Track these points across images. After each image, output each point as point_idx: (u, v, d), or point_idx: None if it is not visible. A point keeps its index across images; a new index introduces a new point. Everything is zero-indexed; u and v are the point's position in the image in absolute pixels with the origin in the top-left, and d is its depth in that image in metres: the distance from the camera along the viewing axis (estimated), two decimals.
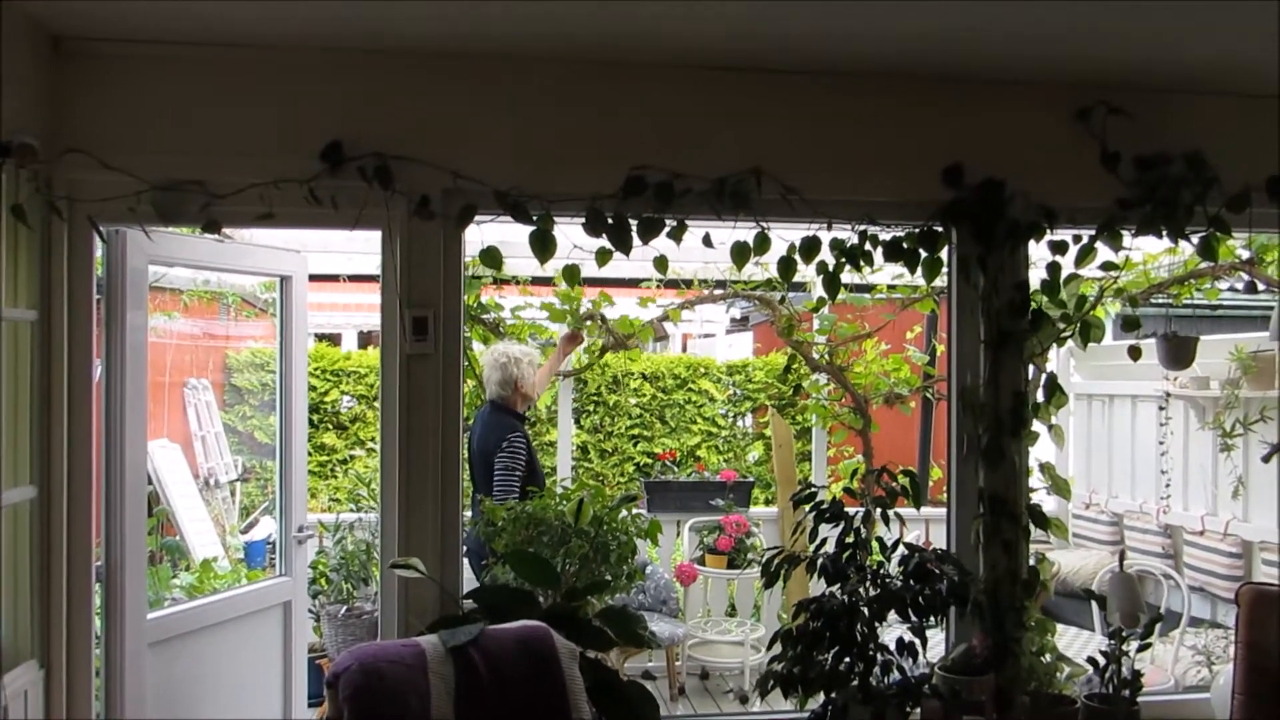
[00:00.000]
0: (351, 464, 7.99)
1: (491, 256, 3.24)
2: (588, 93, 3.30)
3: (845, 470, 5.81)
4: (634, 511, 3.68)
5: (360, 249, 5.14)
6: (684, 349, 11.69)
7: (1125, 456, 6.12)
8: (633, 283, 6.13)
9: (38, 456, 2.98)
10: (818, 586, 3.29)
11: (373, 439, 8.07)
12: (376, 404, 8.14)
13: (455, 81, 3.24)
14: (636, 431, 8.66)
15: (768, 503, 7.46)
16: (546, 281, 5.70)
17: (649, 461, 8.57)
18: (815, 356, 5.47)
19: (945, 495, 3.66)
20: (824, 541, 3.26)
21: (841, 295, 5.68)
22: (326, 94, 3.19)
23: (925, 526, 5.86)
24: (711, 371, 8.90)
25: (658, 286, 5.68)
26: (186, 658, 3.52)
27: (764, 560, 3.27)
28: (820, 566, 3.17)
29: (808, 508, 3.27)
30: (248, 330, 8.17)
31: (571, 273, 3.35)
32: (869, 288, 5.45)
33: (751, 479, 6.10)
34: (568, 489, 3.94)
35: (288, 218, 3.14)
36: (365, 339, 10.06)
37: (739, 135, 3.33)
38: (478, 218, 3.18)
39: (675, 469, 6.29)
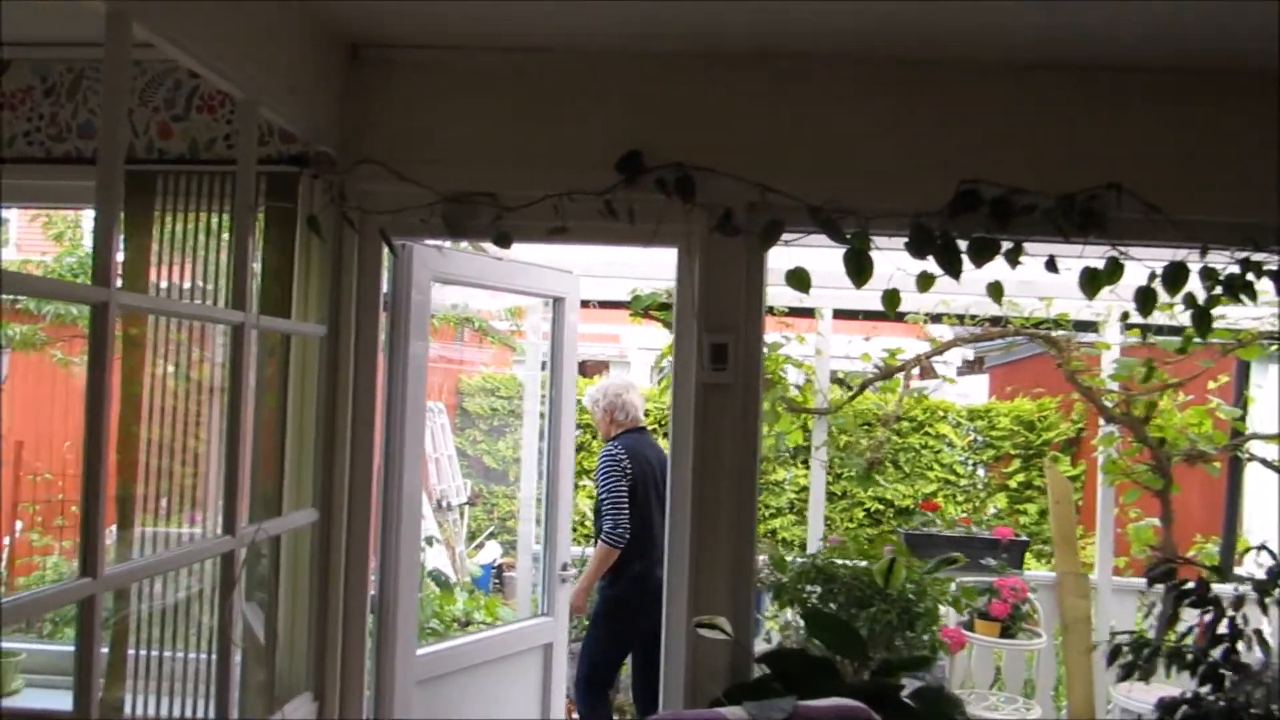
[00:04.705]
0: (577, 494, 7.87)
1: (799, 278, 2.89)
2: (911, 98, 2.94)
3: (1137, 535, 5.12)
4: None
5: (619, 274, 4.88)
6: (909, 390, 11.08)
7: None
8: (878, 315, 5.68)
9: (320, 478, 2.85)
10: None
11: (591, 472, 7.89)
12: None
13: (761, 86, 2.96)
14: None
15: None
16: (806, 313, 5.35)
17: (879, 507, 8.05)
18: (1108, 405, 4.85)
19: None
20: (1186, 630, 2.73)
21: (1134, 338, 5.07)
22: (624, 101, 2.98)
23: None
24: (951, 415, 8.30)
25: (925, 322, 5.22)
26: (450, 698, 3.31)
27: (1111, 644, 2.76)
28: (1190, 662, 2.63)
29: (1163, 586, 2.76)
30: (478, 355, 8.23)
31: (891, 299, 2.95)
32: (1178, 329, 4.78)
33: (1026, 538, 5.49)
34: (843, 542, 3.54)
35: (580, 232, 2.91)
36: (581, 368, 10.01)
37: (1088, 144, 2.88)
38: (784, 236, 2.86)
39: (938, 521, 5.74)
